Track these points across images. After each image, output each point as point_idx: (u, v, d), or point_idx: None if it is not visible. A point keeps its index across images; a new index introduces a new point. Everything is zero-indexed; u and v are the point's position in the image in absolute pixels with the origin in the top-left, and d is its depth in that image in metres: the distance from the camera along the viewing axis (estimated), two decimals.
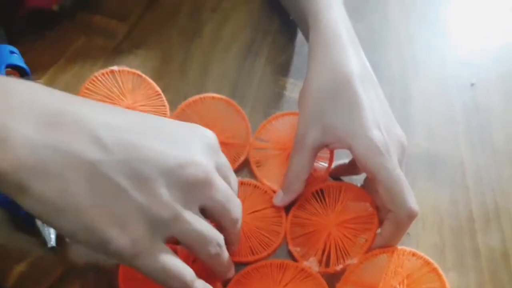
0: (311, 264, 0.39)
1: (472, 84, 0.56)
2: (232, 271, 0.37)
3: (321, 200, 0.42)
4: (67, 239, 0.40)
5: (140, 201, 0.30)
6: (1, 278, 0.37)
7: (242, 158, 0.46)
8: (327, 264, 0.39)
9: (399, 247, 0.38)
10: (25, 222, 0.39)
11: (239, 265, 0.40)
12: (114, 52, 0.55)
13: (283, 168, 0.44)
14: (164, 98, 0.47)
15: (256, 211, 0.43)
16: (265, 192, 0.44)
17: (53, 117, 0.28)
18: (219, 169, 0.34)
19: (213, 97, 0.48)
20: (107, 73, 0.46)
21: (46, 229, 0.38)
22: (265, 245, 0.41)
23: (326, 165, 0.45)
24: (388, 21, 0.63)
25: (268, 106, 0.52)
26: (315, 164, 0.44)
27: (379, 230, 0.39)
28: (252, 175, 0.46)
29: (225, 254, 0.35)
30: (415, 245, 0.42)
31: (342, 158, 0.45)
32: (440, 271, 0.36)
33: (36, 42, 0.54)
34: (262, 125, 0.48)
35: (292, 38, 0.59)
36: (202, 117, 0.47)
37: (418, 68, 0.58)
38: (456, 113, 0.53)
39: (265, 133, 0.48)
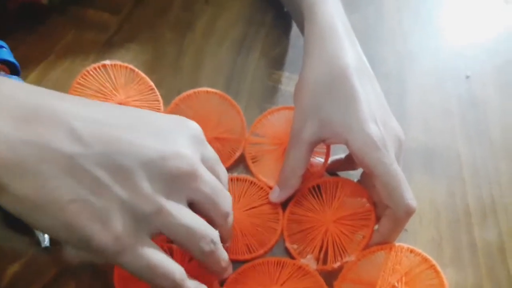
0: (309, 261, 0.39)
1: (467, 77, 0.55)
2: (229, 270, 0.36)
3: (318, 196, 0.42)
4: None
5: (121, 195, 0.29)
6: None
7: (237, 154, 0.46)
8: (325, 262, 0.39)
9: (397, 243, 0.38)
10: (18, 221, 0.38)
11: (235, 263, 0.39)
12: (106, 46, 0.54)
13: (279, 163, 0.44)
14: (157, 93, 0.47)
15: (252, 207, 0.43)
16: (261, 188, 0.44)
17: (29, 112, 0.27)
18: (205, 162, 0.33)
19: (207, 92, 0.47)
20: (99, 67, 0.45)
21: None
22: (261, 243, 0.41)
23: (322, 160, 0.44)
24: (383, 14, 0.62)
25: (263, 100, 0.51)
26: (311, 159, 0.43)
27: (376, 226, 0.39)
28: (248, 170, 0.45)
29: (221, 252, 0.34)
30: (412, 240, 0.42)
31: (338, 153, 0.45)
32: (438, 268, 0.35)
33: (26, 36, 0.53)
34: (258, 119, 0.47)
35: (286, 31, 0.58)
36: (196, 112, 0.46)
37: (413, 62, 0.57)
38: (452, 106, 0.53)
39: (260, 128, 0.47)
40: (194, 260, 0.38)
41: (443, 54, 0.58)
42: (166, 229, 0.30)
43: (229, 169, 0.45)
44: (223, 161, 0.45)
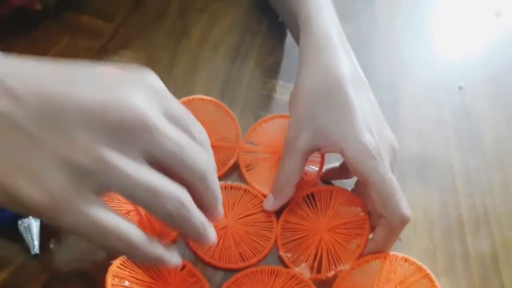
0: (303, 270, 0.39)
1: (460, 88, 0.56)
2: (209, 236, 0.32)
3: (312, 205, 0.42)
4: (51, 245, 0.39)
5: (56, 149, 0.27)
6: None
7: (231, 161, 0.46)
8: (319, 271, 0.39)
9: (392, 252, 0.38)
10: (7, 228, 0.38)
11: (229, 272, 0.39)
12: (100, 53, 0.54)
13: (274, 171, 0.43)
14: None
15: (246, 216, 0.42)
16: (255, 196, 0.44)
17: None
18: (170, 117, 0.30)
19: (202, 99, 0.47)
20: None
21: (29, 235, 0.37)
22: (255, 251, 0.40)
23: (316, 169, 0.44)
24: (376, 24, 0.63)
25: (257, 108, 0.51)
26: (305, 168, 0.43)
27: (371, 236, 0.39)
28: (242, 179, 0.45)
29: (194, 215, 0.30)
30: (406, 249, 0.41)
31: (332, 162, 0.45)
32: (433, 277, 0.35)
33: (19, 41, 0.53)
34: (252, 128, 0.47)
35: (281, 40, 0.58)
36: None
37: (407, 72, 0.58)
38: (445, 116, 0.53)
39: (255, 136, 0.47)
40: (185, 269, 0.38)
41: (435, 65, 0.59)
42: (116, 185, 0.28)
43: (223, 177, 0.45)
44: (218, 169, 0.45)
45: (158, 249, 0.30)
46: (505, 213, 0.45)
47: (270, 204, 0.42)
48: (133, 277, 0.36)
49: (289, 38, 0.57)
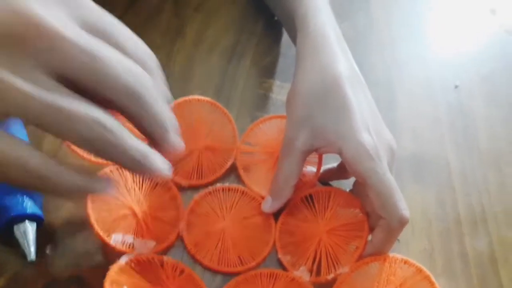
0: (302, 273, 0.38)
1: (456, 86, 0.56)
2: (153, 165, 0.27)
3: (310, 206, 0.42)
4: (47, 251, 0.38)
5: None
6: None
7: (229, 163, 0.45)
8: (318, 273, 0.38)
9: (391, 254, 0.38)
10: (3, 234, 0.37)
11: (228, 276, 0.39)
12: None
13: (271, 173, 0.43)
14: None
15: (244, 218, 0.42)
16: (253, 198, 0.43)
17: None
18: (87, 25, 0.26)
19: (198, 100, 0.46)
20: None
21: (25, 241, 0.36)
22: (254, 254, 0.40)
23: (314, 169, 0.44)
24: (372, 23, 0.63)
25: (254, 109, 0.51)
26: (303, 168, 0.43)
27: (369, 237, 0.39)
28: (240, 180, 0.45)
29: (125, 140, 0.25)
30: (405, 250, 0.42)
31: (330, 162, 0.45)
32: (433, 278, 0.35)
33: None
34: (249, 128, 0.47)
35: (277, 39, 0.58)
36: (187, 120, 0.46)
37: (403, 70, 0.58)
38: (441, 114, 0.53)
39: (252, 136, 0.47)
40: (184, 273, 0.38)
41: (431, 63, 0.59)
42: (14, 110, 0.24)
43: (221, 179, 0.45)
44: (215, 171, 0.45)
45: (73, 177, 0.26)
46: (502, 211, 0.45)
47: (268, 206, 0.42)
48: (131, 282, 0.36)
49: (285, 38, 0.57)
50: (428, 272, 0.36)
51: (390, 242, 0.38)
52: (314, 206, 0.42)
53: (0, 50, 0.23)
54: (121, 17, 0.58)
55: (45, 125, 0.24)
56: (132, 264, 0.36)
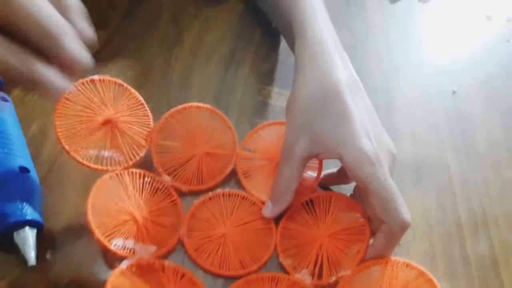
0: (304, 276, 0.38)
1: (454, 92, 0.56)
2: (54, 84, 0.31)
3: (311, 211, 0.42)
4: (47, 256, 0.38)
5: None
6: None
7: (229, 169, 0.45)
8: (320, 277, 0.38)
9: (392, 257, 0.37)
10: (3, 240, 0.37)
11: (229, 280, 0.39)
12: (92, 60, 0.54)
13: (271, 178, 0.43)
14: (147, 108, 0.46)
15: (245, 223, 0.42)
16: (254, 203, 0.43)
17: None
18: None
19: (198, 107, 0.47)
20: (87, 82, 0.44)
21: (25, 247, 0.36)
22: (255, 258, 0.40)
23: (314, 175, 0.44)
24: (369, 29, 0.63)
25: (253, 115, 0.51)
26: (303, 174, 0.43)
27: (371, 241, 0.38)
28: (240, 186, 0.45)
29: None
30: (406, 254, 0.41)
31: (330, 168, 0.45)
32: (435, 281, 0.35)
33: None
34: (249, 135, 0.47)
35: (275, 46, 0.58)
36: (187, 127, 0.46)
37: (400, 76, 0.58)
38: (440, 120, 0.54)
39: (252, 143, 0.47)
40: (185, 277, 0.38)
41: (429, 69, 0.59)
42: None
43: (221, 184, 0.45)
44: (214, 176, 0.45)
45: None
46: (503, 215, 0.46)
47: (269, 211, 0.42)
48: (132, 287, 0.35)
49: (283, 45, 0.57)
50: (430, 275, 0.36)
51: (392, 246, 0.38)
52: (315, 211, 0.42)
53: None
54: (119, 24, 0.59)
55: None
56: (133, 269, 0.36)
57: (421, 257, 0.42)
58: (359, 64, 0.48)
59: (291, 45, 0.48)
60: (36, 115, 0.47)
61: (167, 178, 0.43)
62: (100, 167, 0.42)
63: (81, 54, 0.32)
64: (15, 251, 0.36)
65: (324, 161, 0.43)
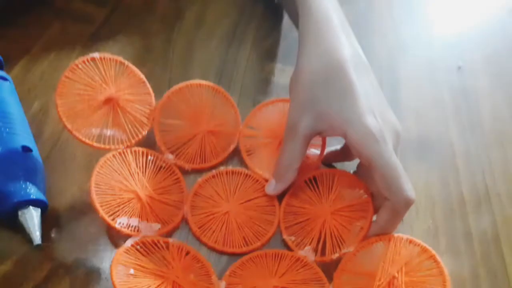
0: (307, 253, 0.38)
1: (459, 67, 0.56)
2: None
3: (314, 188, 0.42)
4: (52, 235, 0.38)
5: None
6: None
7: (232, 147, 0.45)
8: (323, 253, 0.39)
9: (395, 234, 0.38)
10: (8, 219, 0.37)
11: (233, 257, 0.39)
12: (92, 38, 0.53)
13: (275, 156, 0.43)
14: (148, 86, 0.46)
15: (248, 200, 0.42)
16: (257, 181, 0.43)
17: None
18: None
19: (199, 84, 0.46)
20: (88, 60, 0.44)
21: (30, 226, 0.36)
22: (258, 235, 0.40)
23: (318, 152, 0.44)
24: (374, 5, 0.62)
25: (256, 92, 0.51)
26: (306, 151, 0.43)
27: (374, 218, 0.39)
28: (243, 163, 0.45)
29: None
30: (409, 230, 0.42)
31: (333, 144, 0.45)
32: (438, 257, 0.35)
33: (8, 29, 0.51)
34: (252, 112, 0.46)
35: (277, 22, 0.58)
36: (189, 105, 0.45)
37: (405, 53, 0.57)
38: (445, 95, 0.53)
39: (255, 120, 0.46)
40: (190, 254, 0.38)
41: (434, 45, 0.58)
42: None
43: (224, 162, 0.45)
44: (218, 154, 0.45)
45: None
46: (506, 191, 0.46)
47: (272, 188, 0.42)
48: (137, 264, 0.36)
49: (286, 21, 0.57)
50: (433, 252, 0.36)
51: (395, 222, 0.38)
52: (318, 188, 0.42)
53: None
54: (119, 2, 0.58)
55: None
56: (138, 247, 0.37)
57: (424, 233, 0.42)
58: (363, 40, 0.47)
59: (295, 21, 0.47)
60: (37, 94, 0.47)
61: (170, 156, 0.43)
62: (102, 145, 0.42)
63: None
64: (20, 230, 0.37)
65: (327, 138, 0.43)
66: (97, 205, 0.37)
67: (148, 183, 0.41)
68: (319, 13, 0.43)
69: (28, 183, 0.38)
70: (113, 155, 0.41)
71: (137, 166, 0.41)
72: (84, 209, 0.39)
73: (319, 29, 0.42)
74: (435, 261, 0.36)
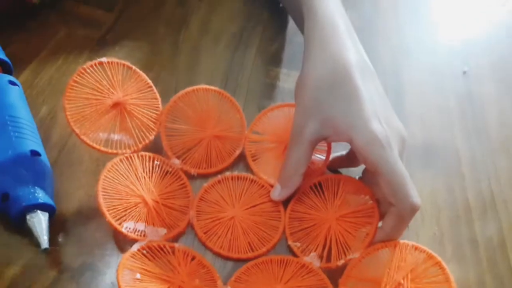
0: (312, 259, 0.39)
1: (464, 72, 0.56)
2: None
3: (319, 194, 0.42)
4: (60, 239, 0.38)
5: None
6: None
7: (237, 152, 0.45)
8: (328, 259, 0.39)
9: (401, 240, 0.38)
10: (16, 223, 0.37)
11: (238, 262, 0.39)
12: (99, 43, 0.53)
13: (280, 161, 0.43)
14: (155, 91, 0.46)
15: (254, 206, 0.42)
16: (262, 186, 0.43)
17: None
18: None
19: (206, 89, 0.46)
20: (95, 64, 0.44)
21: (38, 230, 0.37)
22: (264, 241, 0.40)
23: (323, 157, 0.44)
24: (379, 10, 0.62)
25: (261, 97, 0.51)
26: (312, 156, 0.43)
27: (380, 224, 0.39)
28: (248, 169, 0.45)
29: None
30: (414, 237, 0.42)
31: (338, 150, 0.45)
32: (444, 264, 0.35)
33: (17, 34, 0.52)
34: (257, 117, 0.47)
35: (282, 27, 0.58)
36: (195, 110, 0.46)
37: (410, 58, 0.57)
38: (450, 101, 0.53)
39: (260, 125, 0.47)
40: (195, 259, 0.38)
41: (439, 50, 0.58)
42: None
43: (230, 167, 0.45)
44: (223, 159, 0.45)
45: None
46: None
47: (277, 194, 0.42)
48: (143, 269, 0.36)
49: (291, 25, 0.57)
50: (439, 258, 0.36)
51: (401, 229, 0.38)
52: (323, 194, 0.42)
53: None
54: (126, 6, 0.59)
55: None
56: (144, 251, 0.37)
57: (430, 240, 0.42)
58: (368, 45, 0.48)
59: (300, 26, 0.48)
60: (45, 99, 0.47)
61: (176, 161, 0.44)
62: (110, 150, 0.42)
63: None
64: (28, 234, 0.37)
65: (333, 144, 0.43)
66: (104, 210, 0.38)
67: (154, 188, 0.41)
68: (325, 18, 0.43)
69: (36, 187, 0.38)
70: (120, 160, 0.41)
71: (143, 171, 0.42)
72: (91, 213, 0.40)
73: (325, 34, 0.42)
74: (441, 267, 0.36)
